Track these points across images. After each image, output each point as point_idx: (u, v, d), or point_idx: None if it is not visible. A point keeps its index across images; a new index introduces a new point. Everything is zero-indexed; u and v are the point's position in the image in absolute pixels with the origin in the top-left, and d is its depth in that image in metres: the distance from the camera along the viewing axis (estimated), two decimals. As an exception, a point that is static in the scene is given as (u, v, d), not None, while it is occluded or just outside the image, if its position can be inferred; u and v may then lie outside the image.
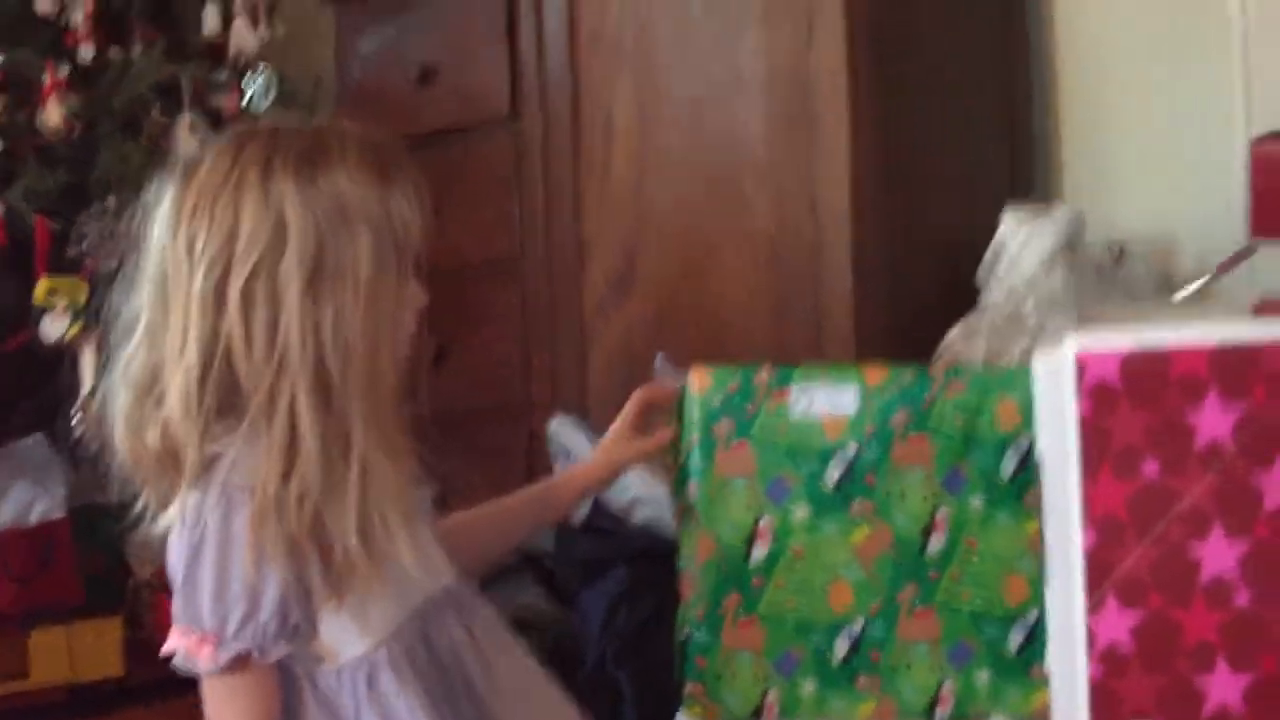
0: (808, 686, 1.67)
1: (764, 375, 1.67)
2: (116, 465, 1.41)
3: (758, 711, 1.67)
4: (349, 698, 1.40)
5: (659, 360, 2.23)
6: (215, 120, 2.85)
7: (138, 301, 1.40)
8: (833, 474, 1.65)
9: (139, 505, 1.42)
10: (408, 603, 1.43)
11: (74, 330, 2.60)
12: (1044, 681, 1.67)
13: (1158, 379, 1.18)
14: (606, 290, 2.42)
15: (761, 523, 1.65)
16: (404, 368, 1.42)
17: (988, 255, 2.17)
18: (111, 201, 2.66)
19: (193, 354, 1.35)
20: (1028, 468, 1.66)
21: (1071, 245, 2.12)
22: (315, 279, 1.34)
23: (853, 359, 2.11)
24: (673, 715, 1.72)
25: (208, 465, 1.35)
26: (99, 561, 2.79)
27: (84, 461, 2.78)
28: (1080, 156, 2.38)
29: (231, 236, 1.34)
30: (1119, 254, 2.11)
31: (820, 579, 1.66)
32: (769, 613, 1.66)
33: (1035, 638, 1.68)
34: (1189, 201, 2.20)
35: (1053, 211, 2.16)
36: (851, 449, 1.65)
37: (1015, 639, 1.68)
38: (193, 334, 1.35)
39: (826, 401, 1.65)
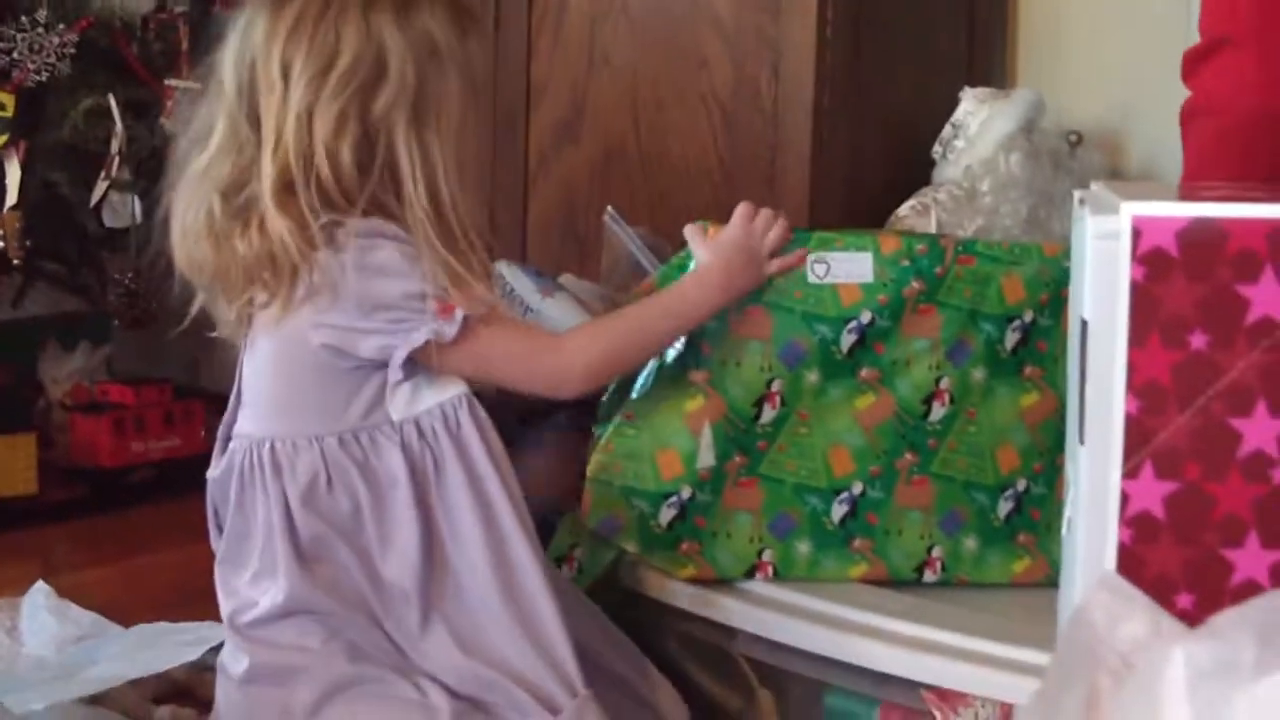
0: (802, 548, 1.68)
1: None
2: (178, 271, 1.47)
3: (751, 572, 1.67)
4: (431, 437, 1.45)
5: (609, 215, 2.18)
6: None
7: (211, 112, 1.45)
8: (846, 341, 1.64)
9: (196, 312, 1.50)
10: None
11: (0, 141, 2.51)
12: (1027, 551, 1.71)
13: (1214, 250, 1.18)
14: (551, 138, 2.37)
15: (773, 386, 1.64)
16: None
17: (945, 131, 2.17)
18: (42, 13, 2.54)
19: (289, 162, 1.40)
20: (1029, 342, 1.68)
21: (1030, 128, 2.13)
22: (417, 113, 1.42)
23: (805, 225, 2.10)
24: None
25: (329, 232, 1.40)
26: (7, 379, 2.69)
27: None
28: (1037, 42, 2.37)
29: (330, 63, 1.41)
30: (1077, 141, 2.12)
31: (822, 444, 1.66)
32: (769, 474, 1.66)
33: (1022, 508, 1.71)
34: (1143, 93, 2.21)
35: (1013, 93, 2.16)
36: (865, 317, 1.64)
37: (1004, 508, 1.71)
38: (286, 146, 1.40)
39: (843, 269, 1.65)
